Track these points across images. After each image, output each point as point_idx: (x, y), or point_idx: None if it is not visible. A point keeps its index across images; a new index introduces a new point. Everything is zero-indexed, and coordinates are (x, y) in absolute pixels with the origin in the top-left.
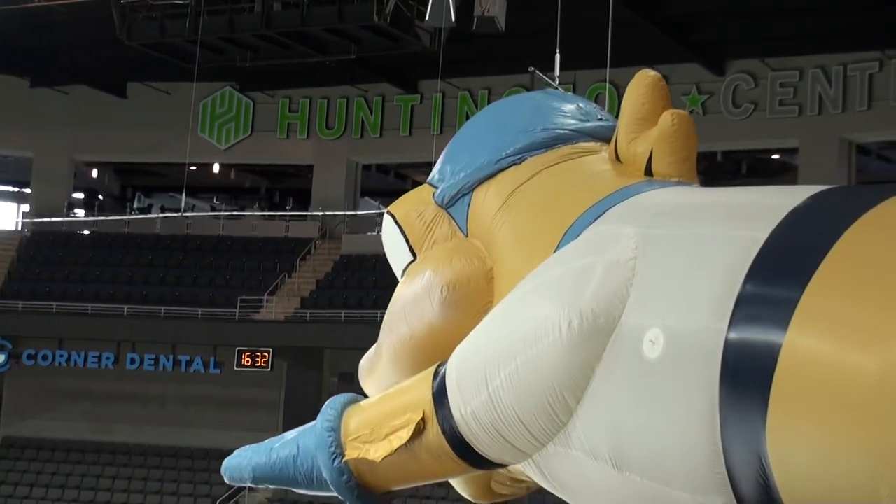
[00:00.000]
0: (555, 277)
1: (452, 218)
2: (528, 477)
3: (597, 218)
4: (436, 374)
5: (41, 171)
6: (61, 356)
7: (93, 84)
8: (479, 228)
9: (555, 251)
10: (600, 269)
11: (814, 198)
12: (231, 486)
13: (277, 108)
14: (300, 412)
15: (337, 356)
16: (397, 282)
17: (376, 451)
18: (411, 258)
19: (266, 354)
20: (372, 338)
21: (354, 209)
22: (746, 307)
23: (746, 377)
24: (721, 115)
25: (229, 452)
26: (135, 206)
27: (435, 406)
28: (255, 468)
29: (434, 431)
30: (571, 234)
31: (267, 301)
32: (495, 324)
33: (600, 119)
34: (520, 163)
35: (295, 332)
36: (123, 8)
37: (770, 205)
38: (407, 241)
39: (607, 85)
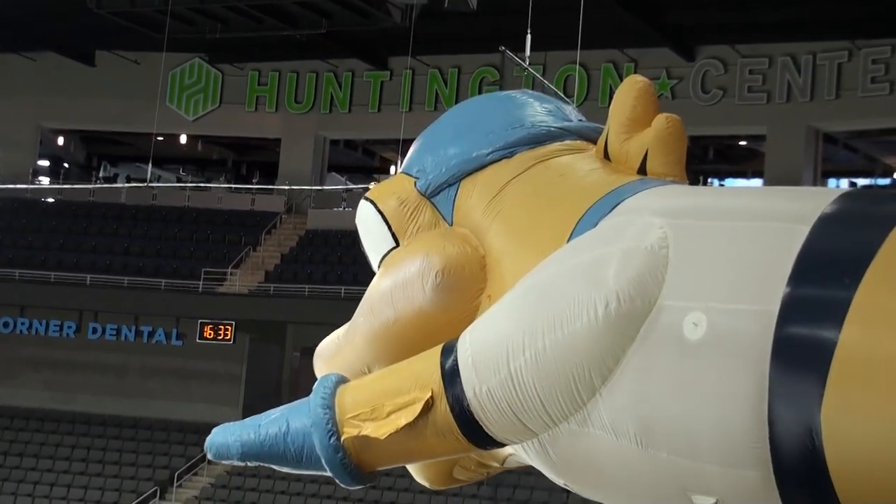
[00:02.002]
0: (586, 262)
1: (436, 207)
2: (496, 462)
3: (612, 209)
4: (444, 352)
5: (7, 138)
6: (23, 324)
7: (61, 51)
8: (466, 218)
9: (568, 240)
10: (633, 254)
11: (842, 200)
12: (190, 458)
13: (246, 81)
14: (262, 385)
15: (300, 331)
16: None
17: (379, 429)
18: (393, 245)
19: (228, 327)
20: (335, 313)
21: (321, 184)
22: (799, 291)
23: (802, 356)
24: (690, 100)
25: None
26: (100, 175)
27: (444, 384)
28: (244, 445)
29: (442, 409)
30: (585, 223)
31: (231, 274)
32: (517, 304)
33: (581, 120)
34: (511, 156)
35: (258, 305)
36: None
37: (802, 197)
38: (389, 228)
39: (577, 67)
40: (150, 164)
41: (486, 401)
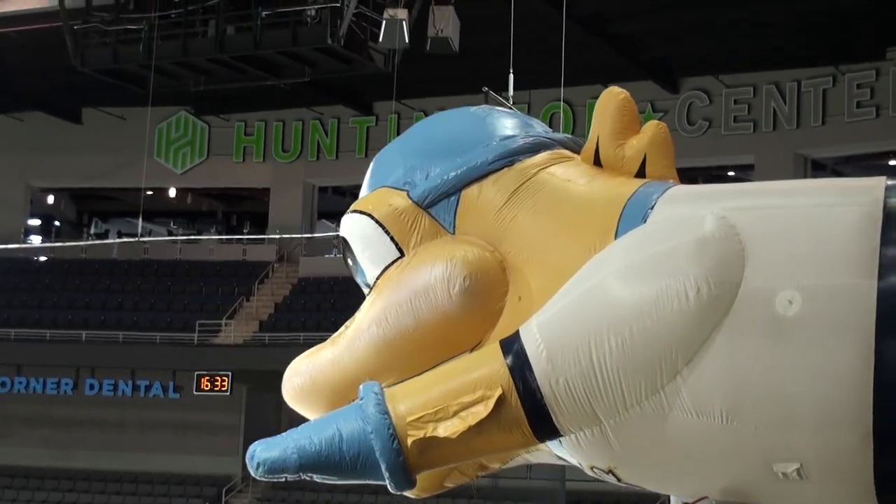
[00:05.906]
0: (661, 253)
1: (433, 217)
2: (500, 463)
3: (651, 208)
4: (505, 348)
5: None
6: (20, 383)
7: (48, 110)
8: (472, 226)
9: (615, 237)
10: (710, 241)
11: None
12: None
13: (233, 132)
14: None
15: None
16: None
17: (447, 429)
18: (397, 255)
19: (225, 378)
20: None
21: (311, 232)
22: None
23: None
24: (676, 132)
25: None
26: (91, 231)
27: (514, 379)
28: (302, 456)
29: (513, 405)
30: (627, 222)
31: (225, 325)
32: (592, 296)
33: (553, 131)
34: (511, 165)
35: (254, 355)
36: (77, 34)
37: (852, 184)
38: (392, 239)
39: (562, 104)
40: (140, 219)
41: (563, 392)
